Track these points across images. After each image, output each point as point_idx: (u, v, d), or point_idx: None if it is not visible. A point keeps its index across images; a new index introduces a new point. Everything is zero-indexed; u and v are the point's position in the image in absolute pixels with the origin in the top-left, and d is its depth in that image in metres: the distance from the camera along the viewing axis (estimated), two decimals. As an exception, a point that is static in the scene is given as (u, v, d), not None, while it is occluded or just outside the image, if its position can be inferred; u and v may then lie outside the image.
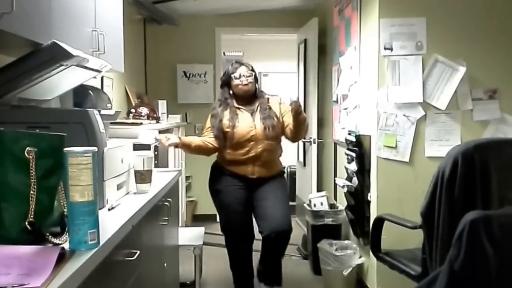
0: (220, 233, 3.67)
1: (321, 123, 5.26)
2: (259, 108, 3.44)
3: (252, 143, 3.36)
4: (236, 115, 3.41)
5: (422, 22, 3.27)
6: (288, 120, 3.40)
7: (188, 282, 3.77)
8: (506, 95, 3.30)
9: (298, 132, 3.40)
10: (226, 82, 3.53)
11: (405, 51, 3.27)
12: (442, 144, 3.26)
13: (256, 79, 3.52)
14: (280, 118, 3.45)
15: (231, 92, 3.52)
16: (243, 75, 3.44)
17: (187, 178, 5.87)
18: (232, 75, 3.46)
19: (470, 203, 2.12)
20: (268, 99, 3.48)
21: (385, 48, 3.29)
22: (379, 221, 2.97)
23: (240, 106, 3.46)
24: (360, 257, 3.69)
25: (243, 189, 3.45)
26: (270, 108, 3.43)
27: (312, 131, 5.17)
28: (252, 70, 3.52)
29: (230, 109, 3.44)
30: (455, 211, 2.13)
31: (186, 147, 3.56)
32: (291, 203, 6.57)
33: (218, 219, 3.99)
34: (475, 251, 1.78)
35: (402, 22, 3.27)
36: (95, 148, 1.30)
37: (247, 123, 3.38)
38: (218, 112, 3.47)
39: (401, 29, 3.27)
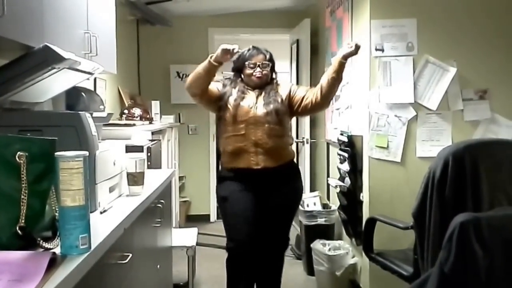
0: (214, 233, 3.66)
1: (314, 123, 5.27)
2: (265, 90, 3.08)
3: (251, 126, 2.96)
4: (243, 95, 3.04)
5: (413, 23, 3.28)
6: (303, 93, 3.08)
7: (181, 283, 3.77)
8: (496, 95, 3.33)
9: (332, 89, 3.00)
10: (239, 69, 3.12)
11: (396, 52, 3.29)
12: (433, 144, 3.28)
13: (273, 69, 3.15)
14: (289, 100, 3.08)
15: (242, 77, 3.13)
16: (259, 65, 3.05)
17: (180, 178, 5.87)
18: (247, 63, 3.06)
19: (460, 204, 2.14)
20: (278, 84, 3.16)
21: (376, 49, 3.31)
22: (371, 221, 2.99)
23: (248, 88, 3.10)
24: (353, 257, 3.70)
25: (250, 192, 3.01)
26: (277, 91, 3.08)
27: (305, 131, 5.19)
28: (270, 59, 3.13)
29: (238, 88, 3.07)
30: (446, 212, 2.14)
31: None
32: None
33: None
34: (465, 254, 1.79)
35: (393, 23, 3.29)
36: (86, 153, 1.30)
37: (248, 103, 3.01)
38: (228, 88, 3.09)
39: (392, 30, 3.28)
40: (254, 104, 3.00)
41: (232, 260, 3.09)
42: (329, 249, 3.76)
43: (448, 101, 3.30)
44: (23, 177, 1.27)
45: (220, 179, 3.17)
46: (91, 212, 1.41)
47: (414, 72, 3.28)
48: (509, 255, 1.86)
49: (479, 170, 2.19)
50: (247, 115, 2.97)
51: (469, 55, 3.31)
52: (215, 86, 3.09)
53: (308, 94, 3.06)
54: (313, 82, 5.17)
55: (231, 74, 3.19)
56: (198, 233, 3.95)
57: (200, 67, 2.96)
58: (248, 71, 3.07)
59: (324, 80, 2.99)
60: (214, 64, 2.88)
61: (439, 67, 3.27)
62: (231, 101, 3.02)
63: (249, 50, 3.11)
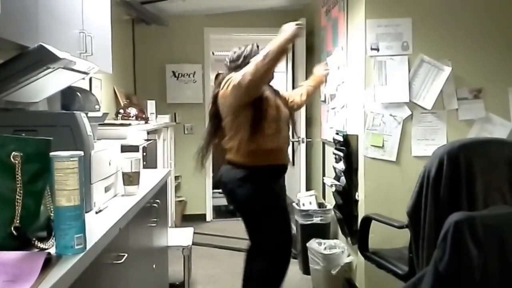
0: (210, 232, 3.66)
1: (310, 122, 5.28)
2: (272, 88, 3.07)
3: (284, 124, 2.99)
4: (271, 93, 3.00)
5: (408, 23, 3.29)
6: (287, 95, 3.31)
7: (177, 283, 3.77)
8: (491, 94, 3.34)
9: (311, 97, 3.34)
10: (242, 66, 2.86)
11: (391, 51, 3.30)
12: (429, 143, 3.29)
13: None
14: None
15: None
16: None
17: (176, 178, 5.87)
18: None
19: (455, 203, 2.15)
20: None
21: (371, 49, 3.31)
22: (367, 220, 3.00)
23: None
24: (348, 256, 3.71)
25: (282, 191, 3.11)
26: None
27: (301, 130, 5.19)
28: None
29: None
30: (441, 211, 2.15)
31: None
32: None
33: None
34: (460, 252, 1.80)
35: (388, 23, 3.29)
36: (81, 153, 1.30)
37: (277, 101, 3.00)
38: None
39: (387, 30, 3.29)
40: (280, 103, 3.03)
41: (277, 263, 2.96)
42: (325, 248, 3.77)
43: (443, 100, 3.31)
44: (18, 177, 1.27)
45: (253, 178, 2.90)
46: (86, 212, 1.41)
47: (409, 71, 3.29)
48: (503, 254, 1.87)
49: (473, 169, 2.19)
50: (282, 113, 2.98)
51: (463, 55, 3.32)
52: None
53: (291, 96, 3.26)
54: (309, 82, 5.18)
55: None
56: (194, 233, 3.95)
57: (274, 55, 2.65)
58: None
59: (309, 89, 3.36)
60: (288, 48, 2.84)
61: (434, 66, 3.28)
62: (270, 98, 2.94)
63: (252, 45, 3.03)
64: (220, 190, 3.21)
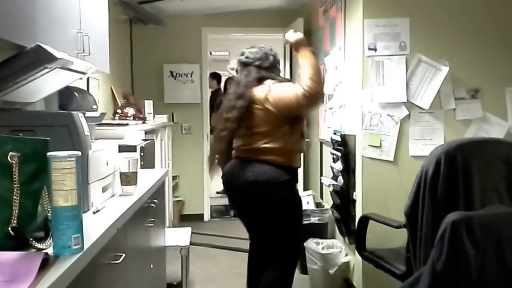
0: (207, 232, 3.66)
1: (307, 122, 5.26)
2: None
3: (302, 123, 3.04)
4: None
5: (406, 23, 3.29)
6: None
7: (175, 283, 3.77)
8: (488, 94, 3.34)
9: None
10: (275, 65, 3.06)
11: (389, 51, 3.30)
12: (426, 143, 3.29)
13: None
14: None
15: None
16: None
17: (174, 178, 5.87)
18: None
19: (453, 203, 2.16)
20: None
21: (369, 49, 3.32)
22: (364, 220, 3.00)
23: None
24: (346, 255, 3.71)
25: None
26: None
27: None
28: None
29: None
30: (438, 210, 2.15)
31: None
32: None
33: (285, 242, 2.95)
34: (457, 252, 1.80)
35: (386, 23, 3.30)
36: (79, 153, 1.30)
37: None
38: None
39: (385, 30, 3.30)
40: None
41: (294, 270, 2.97)
42: (323, 248, 3.77)
43: (441, 100, 3.32)
44: (15, 178, 1.26)
45: (293, 179, 2.95)
46: (84, 212, 1.41)
47: (406, 71, 3.29)
48: (500, 253, 1.87)
49: (471, 169, 2.20)
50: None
51: (461, 55, 3.32)
52: None
53: None
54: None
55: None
56: (192, 233, 3.95)
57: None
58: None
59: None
60: None
61: (431, 66, 3.29)
62: None
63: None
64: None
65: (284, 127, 2.83)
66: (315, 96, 2.73)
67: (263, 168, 2.81)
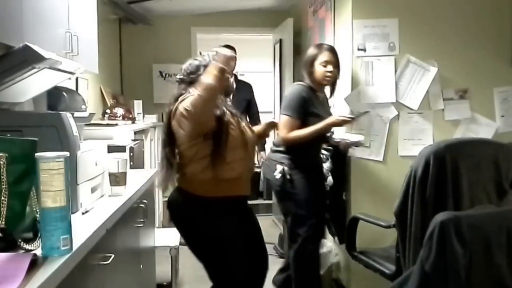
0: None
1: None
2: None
3: (247, 147, 2.53)
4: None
5: (395, 23, 3.31)
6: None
7: (164, 283, 3.76)
8: (476, 95, 3.37)
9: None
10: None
11: (378, 52, 3.31)
12: (415, 143, 3.31)
13: None
14: None
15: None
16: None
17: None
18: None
19: (441, 203, 2.17)
20: None
21: (358, 49, 3.33)
22: (354, 220, 3.00)
23: None
24: (336, 255, 3.72)
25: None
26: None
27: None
28: None
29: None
30: (427, 210, 2.17)
31: None
32: (268, 201, 6.64)
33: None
34: (445, 252, 1.81)
35: (375, 23, 3.31)
36: (67, 153, 1.29)
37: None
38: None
39: (374, 30, 3.31)
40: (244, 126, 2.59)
41: None
42: (312, 248, 3.77)
43: (429, 100, 3.34)
44: (3, 178, 1.26)
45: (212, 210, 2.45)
46: (72, 213, 1.40)
47: (395, 72, 3.31)
48: (488, 253, 1.89)
49: (459, 169, 2.21)
50: (247, 137, 2.53)
51: (449, 55, 3.34)
52: None
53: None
54: (296, 82, 5.19)
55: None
56: (182, 233, 3.93)
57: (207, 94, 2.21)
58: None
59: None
60: None
61: (420, 67, 3.30)
62: (232, 121, 2.47)
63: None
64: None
65: (193, 152, 2.40)
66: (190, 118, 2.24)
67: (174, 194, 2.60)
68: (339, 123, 3.11)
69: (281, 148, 3.20)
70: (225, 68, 2.22)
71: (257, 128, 2.75)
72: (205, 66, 2.40)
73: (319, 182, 3.33)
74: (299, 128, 3.08)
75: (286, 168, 3.13)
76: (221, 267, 2.49)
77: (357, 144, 3.18)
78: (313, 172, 3.25)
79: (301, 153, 3.16)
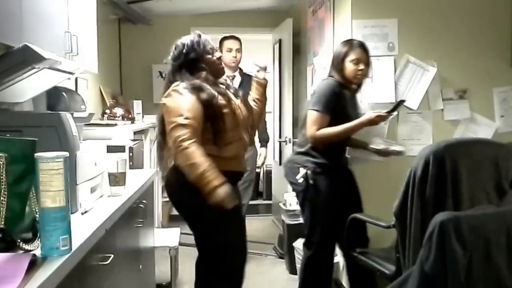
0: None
1: (296, 122, 5.27)
2: None
3: (239, 128, 2.55)
4: None
5: (394, 24, 3.31)
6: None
7: (164, 283, 3.76)
8: (476, 95, 3.37)
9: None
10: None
11: (377, 52, 3.31)
12: (414, 143, 3.31)
13: None
14: None
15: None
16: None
17: (162, 178, 5.83)
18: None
19: (441, 203, 2.16)
20: None
21: (358, 49, 3.32)
22: (354, 220, 3.00)
23: None
24: (336, 255, 3.71)
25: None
26: None
27: (287, 131, 5.20)
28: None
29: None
30: (427, 211, 2.16)
31: None
32: (267, 202, 6.64)
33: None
34: (445, 252, 1.81)
35: (374, 24, 3.31)
36: (66, 153, 1.29)
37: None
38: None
39: (373, 31, 3.31)
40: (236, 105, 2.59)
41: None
42: (312, 248, 3.76)
43: (429, 100, 3.34)
44: (2, 179, 1.26)
45: None
46: (72, 213, 1.40)
47: (395, 72, 3.31)
48: (488, 253, 1.89)
49: (459, 170, 2.21)
50: (240, 118, 2.55)
51: (449, 55, 3.34)
52: None
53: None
54: (296, 82, 5.20)
55: None
56: (181, 233, 3.93)
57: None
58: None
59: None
60: None
61: (419, 67, 3.30)
62: (224, 104, 2.49)
63: (199, 36, 2.78)
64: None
65: None
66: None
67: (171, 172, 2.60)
68: (375, 121, 2.94)
69: (304, 149, 3.05)
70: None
71: (251, 94, 2.81)
72: (187, 53, 2.62)
73: (344, 187, 3.11)
74: (328, 126, 2.92)
75: (309, 172, 2.97)
76: (217, 244, 2.65)
77: (400, 153, 3.07)
78: (340, 177, 3.09)
79: (328, 154, 3.00)
